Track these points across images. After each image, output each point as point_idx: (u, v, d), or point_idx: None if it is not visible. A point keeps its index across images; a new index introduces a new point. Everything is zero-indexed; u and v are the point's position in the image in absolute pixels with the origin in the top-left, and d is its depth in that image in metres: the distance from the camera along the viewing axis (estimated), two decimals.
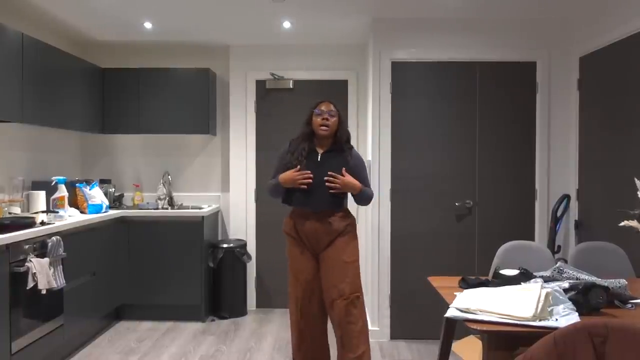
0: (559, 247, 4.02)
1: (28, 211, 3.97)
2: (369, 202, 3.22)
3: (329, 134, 3.07)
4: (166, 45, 5.06)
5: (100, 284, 4.17)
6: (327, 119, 3.04)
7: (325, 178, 2.96)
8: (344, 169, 3.01)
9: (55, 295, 3.48)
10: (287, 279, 3.17)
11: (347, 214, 3.11)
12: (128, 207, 4.87)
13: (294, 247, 3.11)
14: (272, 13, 4.08)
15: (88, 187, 4.38)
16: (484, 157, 4.15)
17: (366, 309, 4.17)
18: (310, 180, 2.97)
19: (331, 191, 2.98)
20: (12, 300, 3.05)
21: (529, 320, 1.88)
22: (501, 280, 2.35)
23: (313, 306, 3.09)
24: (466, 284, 2.42)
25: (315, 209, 3.01)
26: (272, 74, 5.01)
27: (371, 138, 4.23)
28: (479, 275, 2.86)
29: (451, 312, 2.05)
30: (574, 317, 1.91)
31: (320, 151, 3.09)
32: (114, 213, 4.43)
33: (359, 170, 3.12)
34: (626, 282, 2.18)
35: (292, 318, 3.16)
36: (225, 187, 5.18)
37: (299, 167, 3.01)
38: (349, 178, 3.00)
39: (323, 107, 3.08)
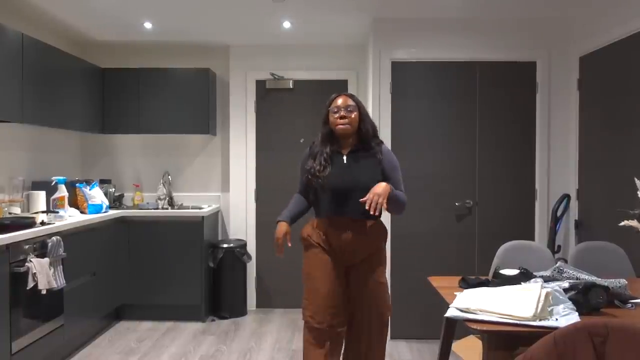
0: (559, 246, 4.02)
1: (28, 211, 3.97)
2: (402, 210, 2.73)
3: (350, 131, 2.67)
4: (166, 45, 5.06)
5: (100, 284, 4.17)
6: (344, 117, 2.65)
7: (362, 201, 2.50)
8: (368, 197, 2.50)
9: (56, 295, 3.48)
10: (302, 296, 2.72)
11: (383, 226, 2.75)
12: (128, 207, 4.87)
13: (322, 255, 2.67)
14: (272, 13, 4.08)
15: (88, 187, 4.38)
16: (484, 157, 4.15)
17: None
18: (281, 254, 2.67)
19: (373, 212, 2.51)
20: (12, 301, 3.05)
21: (529, 320, 1.88)
22: (501, 280, 2.35)
23: (334, 329, 2.64)
24: (466, 284, 2.42)
25: (353, 216, 2.61)
26: (272, 74, 5.01)
27: None
28: (479, 275, 2.86)
29: (451, 312, 2.05)
30: (574, 317, 1.91)
31: (344, 152, 2.70)
32: (114, 213, 4.43)
33: (391, 171, 2.71)
34: (626, 282, 2.18)
35: (306, 344, 2.69)
36: (225, 187, 5.18)
37: (320, 178, 2.62)
38: (377, 189, 2.51)
39: (339, 103, 2.68)
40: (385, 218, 4.10)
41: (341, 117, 2.64)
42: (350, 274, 2.70)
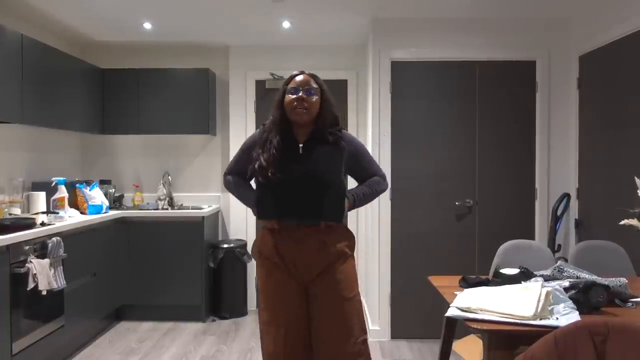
0: (559, 246, 4.02)
1: (28, 212, 3.97)
2: (380, 194, 2.46)
3: (307, 120, 2.25)
4: (166, 46, 5.05)
5: (100, 285, 4.17)
6: (303, 100, 2.21)
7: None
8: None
9: (56, 296, 3.48)
10: (258, 321, 2.34)
11: (346, 231, 2.33)
12: (128, 208, 4.87)
13: (274, 274, 2.24)
14: (271, 13, 4.08)
15: (88, 188, 4.38)
16: (484, 156, 4.15)
17: (367, 308, 4.18)
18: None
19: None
20: (13, 301, 3.05)
21: (529, 320, 1.88)
22: (501, 280, 2.35)
23: (299, 357, 2.22)
24: (466, 283, 2.42)
25: (306, 221, 2.20)
26: (272, 74, 5.01)
27: (371, 137, 4.23)
28: (480, 274, 2.86)
29: (452, 312, 2.05)
30: (574, 316, 1.91)
31: (300, 141, 2.27)
32: (114, 214, 4.43)
33: (359, 158, 2.35)
34: (626, 281, 2.18)
35: None
36: None
37: (271, 170, 2.18)
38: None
39: (298, 80, 2.25)
40: (386, 217, 4.13)
41: (298, 101, 2.21)
42: (311, 295, 2.23)
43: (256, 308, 5.05)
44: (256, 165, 2.23)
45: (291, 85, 2.26)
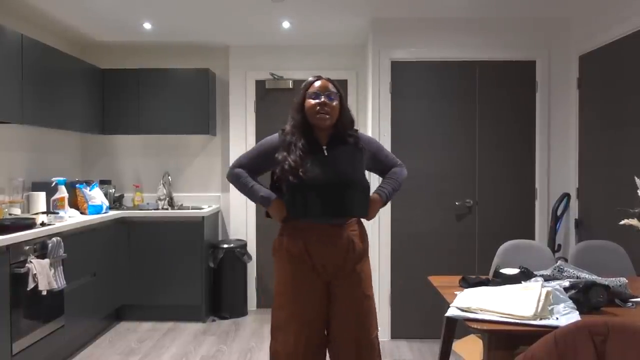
0: (559, 245, 4.02)
1: (28, 212, 3.97)
2: (405, 178, 2.54)
3: (329, 124, 2.32)
4: (166, 46, 5.06)
5: (100, 285, 4.17)
6: (325, 105, 2.28)
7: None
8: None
9: (56, 296, 3.48)
10: (271, 319, 2.39)
11: (363, 228, 2.44)
12: (128, 208, 4.87)
13: (301, 273, 2.30)
14: (271, 13, 4.08)
15: (88, 188, 4.38)
16: (484, 156, 4.15)
17: None
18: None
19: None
20: (13, 301, 3.05)
21: (529, 319, 1.88)
22: (502, 280, 2.35)
23: (315, 357, 2.32)
24: (467, 283, 2.42)
25: (335, 221, 2.29)
26: (272, 74, 5.01)
27: None
28: (480, 274, 2.86)
29: (452, 312, 2.05)
30: (574, 316, 1.91)
31: (323, 143, 2.34)
32: (114, 214, 4.43)
33: (377, 154, 2.45)
34: (626, 281, 2.18)
35: None
36: (225, 187, 5.18)
37: (301, 170, 2.23)
38: (372, 212, 2.38)
39: (318, 85, 2.32)
40: (386, 217, 4.13)
41: (321, 106, 2.28)
42: (331, 290, 2.33)
43: (257, 308, 5.07)
44: (285, 166, 2.26)
45: (311, 90, 2.33)
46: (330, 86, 2.34)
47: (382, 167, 2.50)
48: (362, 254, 2.36)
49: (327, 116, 2.29)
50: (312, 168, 2.24)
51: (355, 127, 2.44)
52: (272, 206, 2.34)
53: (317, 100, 2.29)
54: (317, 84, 2.33)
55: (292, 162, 2.24)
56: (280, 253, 2.38)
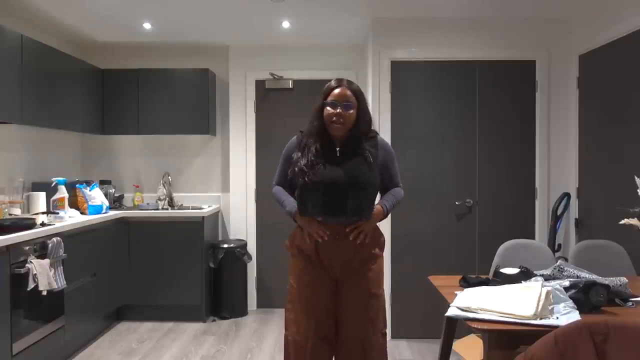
0: (560, 245, 4.02)
1: (28, 212, 3.97)
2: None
3: (343, 132, 2.39)
4: (165, 46, 5.06)
5: (100, 285, 4.17)
6: (340, 116, 2.34)
7: (348, 230, 2.34)
8: (354, 234, 2.35)
9: (56, 296, 3.48)
10: (285, 313, 2.48)
11: (378, 232, 2.49)
12: (128, 208, 4.87)
13: (310, 270, 2.40)
14: (271, 13, 4.08)
15: (88, 188, 4.37)
16: (484, 156, 4.15)
17: None
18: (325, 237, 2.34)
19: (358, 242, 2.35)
20: (13, 302, 3.05)
21: (529, 319, 1.88)
22: (502, 279, 2.35)
23: (323, 351, 2.40)
24: (467, 283, 2.42)
25: (345, 222, 2.34)
26: (272, 74, 5.01)
27: None
28: (480, 274, 2.86)
29: (452, 311, 2.05)
30: (574, 316, 1.91)
31: (337, 146, 2.40)
32: (114, 214, 4.43)
33: (387, 165, 2.49)
34: (627, 280, 2.18)
35: None
36: (226, 187, 5.18)
37: (308, 173, 2.33)
38: (366, 226, 2.37)
39: (337, 93, 2.37)
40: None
41: (337, 116, 2.34)
42: (338, 287, 2.41)
43: (257, 308, 5.08)
44: (296, 168, 2.37)
45: (330, 98, 2.38)
46: (349, 93, 2.38)
47: (387, 182, 2.53)
48: (371, 254, 2.41)
49: (340, 126, 2.36)
50: (321, 170, 2.33)
51: (374, 130, 2.50)
52: (297, 218, 2.44)
53: (333, 110, 2.36)
54: (336, 91, 2.38)
55: (303, 165, 2.35)
56: (292, 249, 2.49)
